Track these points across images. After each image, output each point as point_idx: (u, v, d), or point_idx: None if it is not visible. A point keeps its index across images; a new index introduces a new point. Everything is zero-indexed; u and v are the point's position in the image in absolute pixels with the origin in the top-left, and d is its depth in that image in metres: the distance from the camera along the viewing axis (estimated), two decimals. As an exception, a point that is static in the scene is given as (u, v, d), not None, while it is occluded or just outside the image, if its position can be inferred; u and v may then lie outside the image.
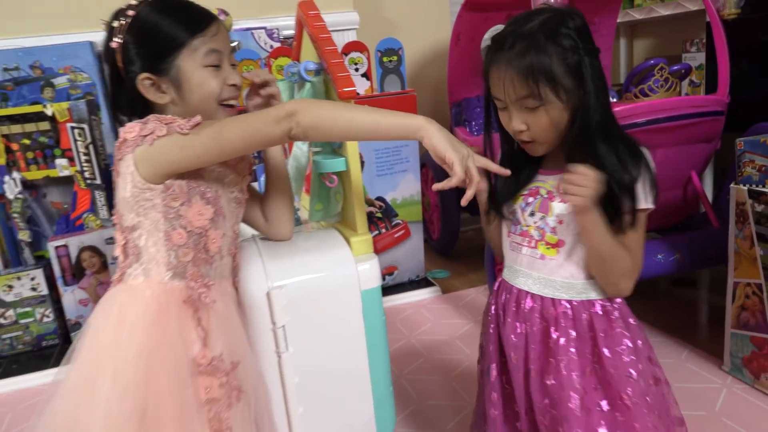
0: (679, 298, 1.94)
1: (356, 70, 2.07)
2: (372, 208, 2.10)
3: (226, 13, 2.23)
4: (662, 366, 0.94)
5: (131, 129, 0.87)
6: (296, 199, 1.30)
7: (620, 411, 0.88)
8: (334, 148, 1.11)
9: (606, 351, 0.89)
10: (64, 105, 1.93)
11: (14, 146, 1.94)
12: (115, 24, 0.90)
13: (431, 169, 2.50)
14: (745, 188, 1.35)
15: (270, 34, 2.27)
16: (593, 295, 0.91)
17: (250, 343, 0.95)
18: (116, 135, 2.14)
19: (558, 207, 0.91)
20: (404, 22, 2.70)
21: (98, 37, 2.07)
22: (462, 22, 2.27)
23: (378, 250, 2.13)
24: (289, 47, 2.06)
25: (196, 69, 0.89)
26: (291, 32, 2.40)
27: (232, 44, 2.15)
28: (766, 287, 1.34)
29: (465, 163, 0.84)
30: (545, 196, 0.92)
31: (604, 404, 0.89)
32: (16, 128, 1.93)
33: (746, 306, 1.40)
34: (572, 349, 0.90)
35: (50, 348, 1.97)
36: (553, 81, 0.84)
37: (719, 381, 1.46)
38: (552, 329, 0.92)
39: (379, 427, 1.05)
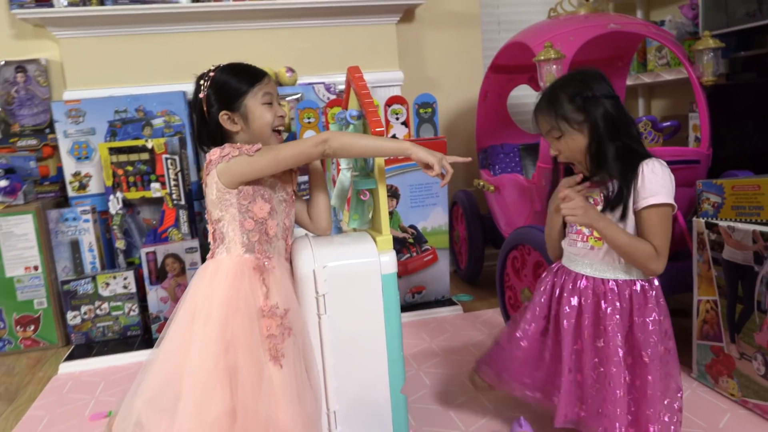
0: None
1: (397, 119, 2.48)
2: (405, 234, 2.47)
3: (292, 70, 2.70)
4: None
5: (214, 152, 1.30)
6: (340, 214, 1.69)
7: (639, 366, 1.25)
8: (368, 172, 1.49)
9: (637, 319, 1.26)
10: (162, 140, 2.40)
11: (119, 171, 2.42)
12: (201, 82, 1.34)
13: (461, 206, 2.85)
14: (703, 221, 1.65)
15: (328, 87, 2.71)
16: (634, 275, 1.29)
17: (301, 307, 1.32)
18: (198, 167, 2.62)
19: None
20: (442, 80, 3.12)
21: (189, 88, 2.58)
22: (489, 81, 2.66)
23: (409, 271, 2.49)
24: (340, 98, 2.49)
25: (257, 106, 1.31)
26: (343, 87, 2.85)
27: (296, 96, 2.61)
28: (720, 302, 1.62)
29: (441, 162, 1.29)
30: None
31: (629, 360, 1.26)
32: (122, 157, 2.41)
33: (707, 320, 1.67)
34: (617, 317, 1.27)
35: (133, 337, 2.38)
36: (564, 117, 1.27)
37: (686, 385, 1.71)
38: (602, 302, 1.29)
39: (392, 381, 1.38)
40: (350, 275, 1.33)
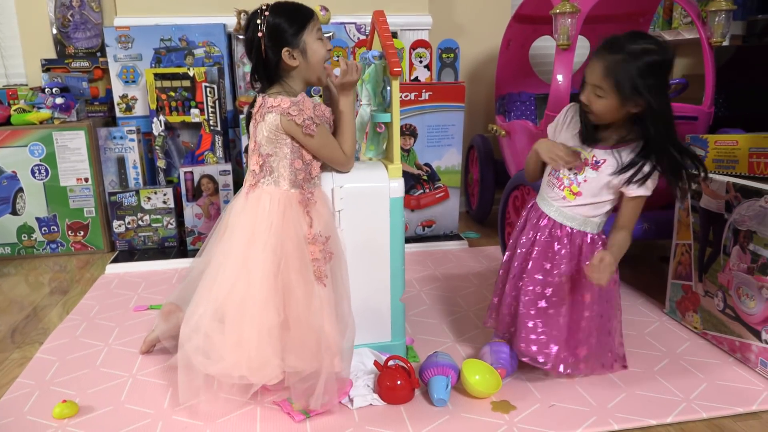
0: (659, 269, 2.38)
1: (420, 62, 2.63)
2: (420, 171, 2.66)
3: (326, 9, 2.84)
4: (621, 307, 1.58)
5: (284, 101, 1.42)
6: (358, 144, 1.88)
7: (579, 303, 1.50)
8: (385, 107, 1.67)
9: (584, 265, 1.45)
10: (202, 69, 2.60)
11: (163, 96, 2.64)
12: (258, 21, 1.45)
13: (476, 150, 3.02)
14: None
15: (358, 28, 2.86)
16: (588, 229, 1.49)
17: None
18: (234, 96, 2.82)
19: (590, 173, 1.46)
20: (470, 26, 3.22)
21: (228, 20, 2.76)
22: (512, 30, 2.77)
23: (421, 206, 2.69)
24: (425, 40, 2.64)
25: (314, 41, 1.47)
26: (375, 28, 2.99)
27: (328, 34, 2.76)
28: (693, 246, 1.80)
29: (355, 69, 1.52)
30: (582, 161, 1.47)
31: (570, 297, 1.51)
32: (166, 83, 2.63)
33: (681, 261, 1.86)
34: (565, 259, 1.49)
35: (170, 248, 2.66)
36: (618, 87, 1.34)
37: (656, 317, 1.92)
38: (555, 243, 1.51)
39: (392, 290, 1.61)
40: (363, 195, 1.55)
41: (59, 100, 2.62)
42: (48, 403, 1.46)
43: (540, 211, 1.55)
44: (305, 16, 1.47)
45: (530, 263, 1.52)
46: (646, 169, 1.42)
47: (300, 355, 1.38)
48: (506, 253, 1.64)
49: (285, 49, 1.45)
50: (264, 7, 1.48)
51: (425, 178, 2.67)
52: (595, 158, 1.46)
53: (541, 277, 1.51)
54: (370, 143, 1.74)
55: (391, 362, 1.50)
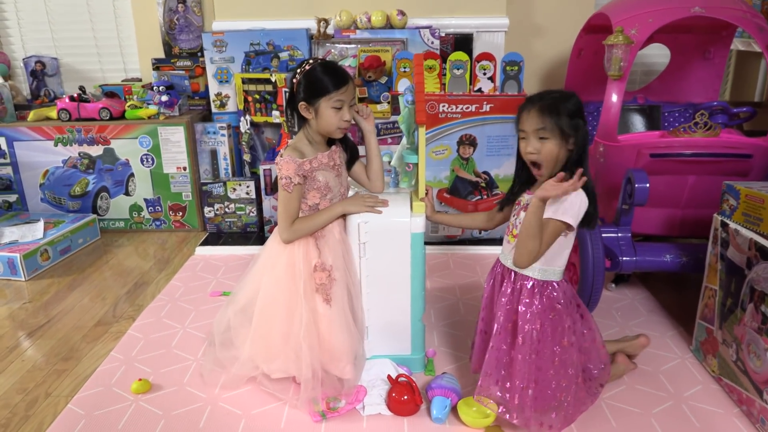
0: (683, 296, 2.35)
1: (484, 74, 2.71)
2: (478, 179, 2.78)
3: (403, 13, 2.97)
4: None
5: (279, 157, 1.67)
6: (399, 170, 2.06)
7: (515, 345, 1.55)
8: (415, 148, 1.82)
9: (520, 308, 1.55)
10: (283, 75, 2.86)
11: (249, 98, 2.94)
12: (299, 69, 1.68)
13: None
14: (719, 218, 1.81)
15: (433, 32, 2.96)
16: (530, 273, 1.56)
17: (349, 251, 1.75)
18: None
19: (522, 215, 1.55)
20: (549, 28, 3.21)
21: (310, 24, 2.97)
22: (582, 40, 2.75)
23: (479, 211, 2.82)
24: (433, 52, 2.75)
25: (327, 108, 1.64)
26: (451, 30, 3.07)
27: (400, 41, 2.89)
28: (718, 292, 1.82)
29: (367, 206, 1.70)
30: (521, 206, 1.59)
31: (509, 338, 1.58)
32: (252, 86, 2.92)
33: (707, 305, 1.88)
34: (503, 299, 1.59)
35: (251, 233, 3.01)
36: (558, 124, 1.47)
37: (680, 354, 1.96)
38: (504, 282, 1.61)
39: (413, 312, 1.81)
40: (386, 230, 1.74)
41: (164, 98, 3.00)
42: (129, 378, 1.84)
43: (498, 259, 1.67)
44: (331, 85, 1.62)
45: (495, 313, 1.63)
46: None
47: (301, 359, 1.66)
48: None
49: (302, 103, 1.66)
50: (312, 61, 1.68)
51: (483, 185, 2.79)
52: (527, 202, 1.54)
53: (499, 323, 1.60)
54: (404, 176, 1.92)
55: (401, 378, 1.72)
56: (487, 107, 2.66)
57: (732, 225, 1.75)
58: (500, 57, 2.71)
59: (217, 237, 2.97)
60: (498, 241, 2.86)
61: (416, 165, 1.78)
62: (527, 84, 2.82)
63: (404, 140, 1.94)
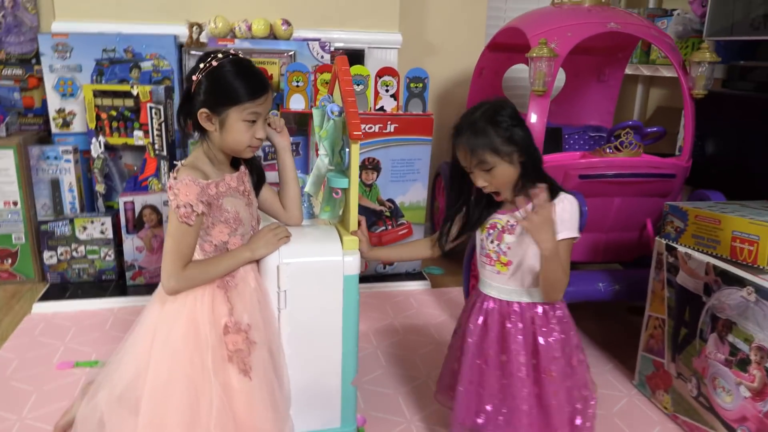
0: (628, 323, 2.28)
1: (387, 91, 2.45)
2: (383, 207, 2.50)
3: (288, 23, 2.63)
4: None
5: (172, 180, 1.24)
6: (313, 197, 1.70)
7: (544, 381, 1.31)
8: (343, 170, 1.50)
9: (541, 340, 1.31)
10: (147, 88, 2.37)
11: (103, 115, 2.40)
12: (201, 65, 1.26)
13: (443, 178, 2.87)
14: (664, 242, 1.69)
15: (323, 45, 2.65)
16: (536, 298, 1.33)
17: (268, 302, 1.35)
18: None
19: (508, 238, 1.33)
20: (442, 46, 3.05)
21: (180, 31, 2.52)
22: (485, 59, 2.61)
23: (382, 243, 2.53)
24: (330, 65, 2.45)
25: (237, 121, 1.25)
26: (341, 44, 2.79)
27: (290, 52, 2.56)
28: (667, 322, 1.69)
29: (277, 246, 1.35)
30: (500, 229, 1.34)
31: (533, 375, 1.32)
32: (107, 101, 2.39)
33: (653, 335, 1.75)
34: (520, 337, 1.32)
35: (108, 281, 2.44)
36: (494, 150, 1.26)
37: (625, 391, 1.81)
38: (507, 322, 1.34)
39: (344, 374, 1.45)
40: (313, 272, 1.38)
41: (-15, 114, 2.36)
42: None
43: (483, 294, 1.40)
44: (251, 91, 1.25)
45: (489, 350, 1.36)
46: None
47: None
48: (454, 336, 1.49)
49: (203, 110, 1.26)
50: (221, 55, 1.26)
51: (388, 214, 2.51)
52: (508, 223, 1.33)
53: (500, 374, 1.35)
54: (325, 204, 1.57)
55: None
56: (391, 127, 2.40)
57: (681, 249, 1.63)
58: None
59: (62, 289, 2.36)
60: (405, 276, 2.59)
61: (345, 190, 1.45)
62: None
63: (322, 161, 1.60)
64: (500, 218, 1.34)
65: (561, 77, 2.77)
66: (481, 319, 1.37)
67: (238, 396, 1.25)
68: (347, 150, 1.41)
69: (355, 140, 1.37)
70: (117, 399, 1.26)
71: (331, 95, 1.66)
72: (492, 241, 1.35)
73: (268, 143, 1.44)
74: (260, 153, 2.35)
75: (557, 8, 2.22)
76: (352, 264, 1.40)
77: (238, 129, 1.26)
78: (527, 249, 1.31)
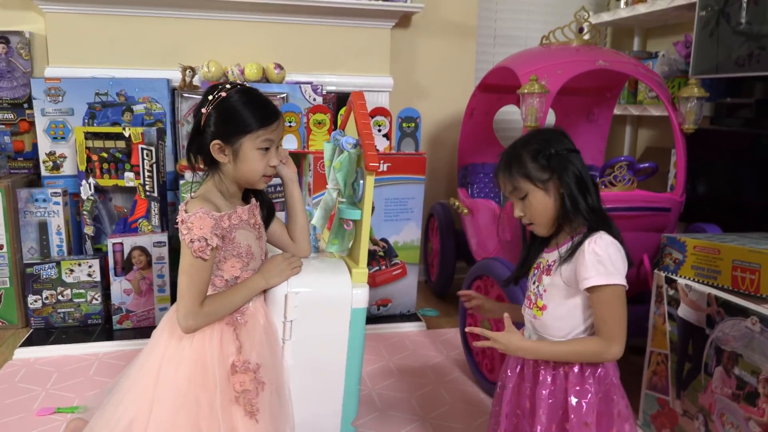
0: (627, 363, 2.21)
1: (379, 130, 2.46)
2: (376, 247, 2.46)
3: (281, 67, 2.66)
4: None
5: (182, 213, 1.21)
6: (319, 231, 1.66)
7: None
8: (355, 201, 1.47)
9: (572, 399, 1.16)
10: (139, 130, 2.37)
11: (94, 157, 2.39)
12: (210, 97, 1.24)
13: (437, 219, 2.86)
14: (663, 275, 1.66)
15: (314, 88, 2.68)
16: None
17: (276, 341, 1.29)
18: (176, 158, 2.59)
19: (546, 279, 1.21)
20: (432, 89, 3.10)
21: (173, 75, 2.55)
22: (476, 100, 2.64)
23: (376, 284, 2.49)
24: (324, 106, 2.47)
25: (251, 150, 1.23)
26: (333, 88, 2.82)
27: (282, 95, 2.58)
28: (671, 357, 1.64)
29: (291, 274, 1.31)
30: (542, 269, 1.24)
31: None
32: (98, 143, 2.38)
33: (656, 372, 1.70)
34: (544, 392, 1.18)
35: (94, 326, 2.37)
36: (527, 176, 1.18)
37: (630, 431, 1.74)
38: (539, 375, 1.21)
39: (345, 413, 1.39)
40: (321, 304, 1.33)
41: (-26, 157, 2.34)
42: None
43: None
44: (262, 118, 1.23)
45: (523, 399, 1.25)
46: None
47: None
48: (497, 391, 1.36)
49: (216, 142, 1.24)
50: (228, 86, 1.25)
51: (381, 254, 2.48)
52: (547, 263, 1.23)
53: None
54: (333, 236, 1.53)
55: None
56: (384, 167, 2.39)
57: (681, 281, 1.60)
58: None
59: (46, 334, 2.28)
60: (400, 318, 2.53)
61: (357, 222, 1.42)
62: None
63: (330, 195, 1.57)
64: (544, 257, 1.25)
65: (551, 118, 2.80)
66: (518, 368, 1.27)
67: None
68: (361, 182, 1.39)
69: (371, 171, 1.34)
70: None
71: (343, 130, 1.64)
72: (534, 282, 1.26)
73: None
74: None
75: (546, 48, 2.26)
76: (361, 297, 1.35)
77: (253, 158, 1.24)
78: (565, 294, 1.18)
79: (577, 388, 1.16)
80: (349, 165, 1.47)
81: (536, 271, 1.26)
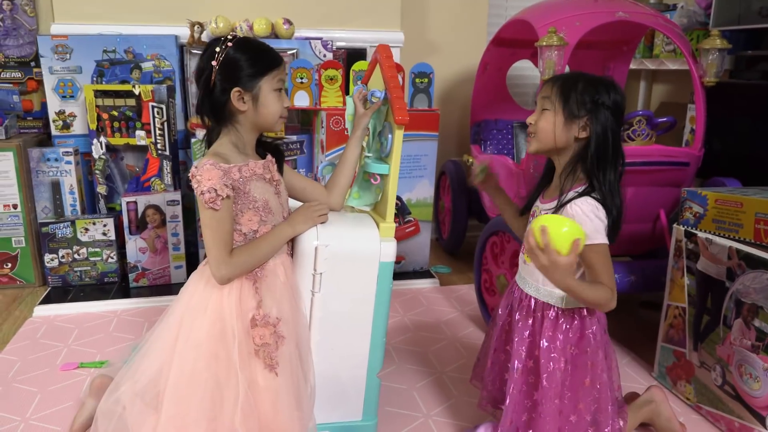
0: (641, 317, 2.24)
1: (391, 86, 2.42)
2: (389, 205, 2.45)
3: (290, 22, 2.60)
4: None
5: (194, 169, 1.20)
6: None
7: (538, 387, 1.24)
8: (382, 156, 1.45)
9: (542, 342, 1.24)
10: (149, 87, 2.34)
11: (104, 115, 2.36)
12: (217, 49, 1.23)
13: (448, 177, 2.84)
14: (683, 229, 1.66)
15: (325, 44, 2.63)
16: (552, 301, 1.26)
17: (298, 296, 1.30)
18: (186, 116, 2.56)
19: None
20: (443, 45, 3.04)
21: (181, 31, 2.50)
22: (490, 54, 2.59)
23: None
24: (336, 61, 2.42)
25: (270, 92, 1.25)
26: (342, 44, 2.76)
27: (291, 51, 2.53)
28: (688, 310, 1.65)
29: (316, 222, 1.32)
30: (534, 217, 1.27)
31: (531, 378, 1.27)
32: (108, 101, 2.35)
33: (673, 324, 1.71)
34: (525, 332, 1.27)
35: (110, 284, 2.38)
36: (566, 100, 1.21)
37: (645, 383, 1.76)
38: (516, 313, 1.30)
39: (370, 365, 1.40)
40: (350, 257, 1.33)
41: (-16, 116, 2.32)
42: None
43: (514, 281, 1.38)
44: (271, 61, 1.26)
45: (514, 344, 1.32)
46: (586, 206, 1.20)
47: None
48: (487, 328, 1.47)
49: (236, 89, 1.23)
50: (230, 37, 1.25)
51: (395, 211, 2.47)
52: (542, 211, 1.28)
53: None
54: (355, 190, 1.52)
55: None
56: (397, 123, 2.36)
57: (701, 235, 1.59)
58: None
59: (64, 292, 2.30)
60: (413, 275, 2.55)
61: (384, 177, 1.41)
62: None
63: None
64: (539, 205, 1.30)
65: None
66: (507, 308, 1.35)
67: (263, 392, 1.20)
68: (390, 136, 1.37)
69: (401, 125, 1.32)
70: (139, 393, 1.22)
71: (366, 84, 1.61)
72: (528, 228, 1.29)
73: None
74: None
75: (564, 0, 2.20)
76: (389, 251, 1.35)
77: (272, 99, 1.26)
78: None
79: (549, 333, 1.24)
80: (377, 118, 1.45)
81: (531, 218, 1.30)
